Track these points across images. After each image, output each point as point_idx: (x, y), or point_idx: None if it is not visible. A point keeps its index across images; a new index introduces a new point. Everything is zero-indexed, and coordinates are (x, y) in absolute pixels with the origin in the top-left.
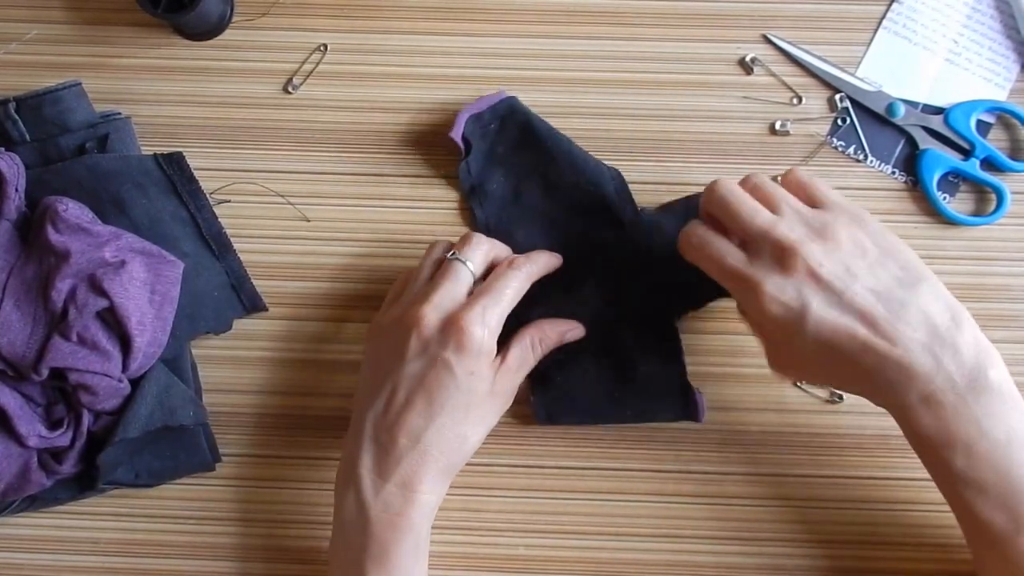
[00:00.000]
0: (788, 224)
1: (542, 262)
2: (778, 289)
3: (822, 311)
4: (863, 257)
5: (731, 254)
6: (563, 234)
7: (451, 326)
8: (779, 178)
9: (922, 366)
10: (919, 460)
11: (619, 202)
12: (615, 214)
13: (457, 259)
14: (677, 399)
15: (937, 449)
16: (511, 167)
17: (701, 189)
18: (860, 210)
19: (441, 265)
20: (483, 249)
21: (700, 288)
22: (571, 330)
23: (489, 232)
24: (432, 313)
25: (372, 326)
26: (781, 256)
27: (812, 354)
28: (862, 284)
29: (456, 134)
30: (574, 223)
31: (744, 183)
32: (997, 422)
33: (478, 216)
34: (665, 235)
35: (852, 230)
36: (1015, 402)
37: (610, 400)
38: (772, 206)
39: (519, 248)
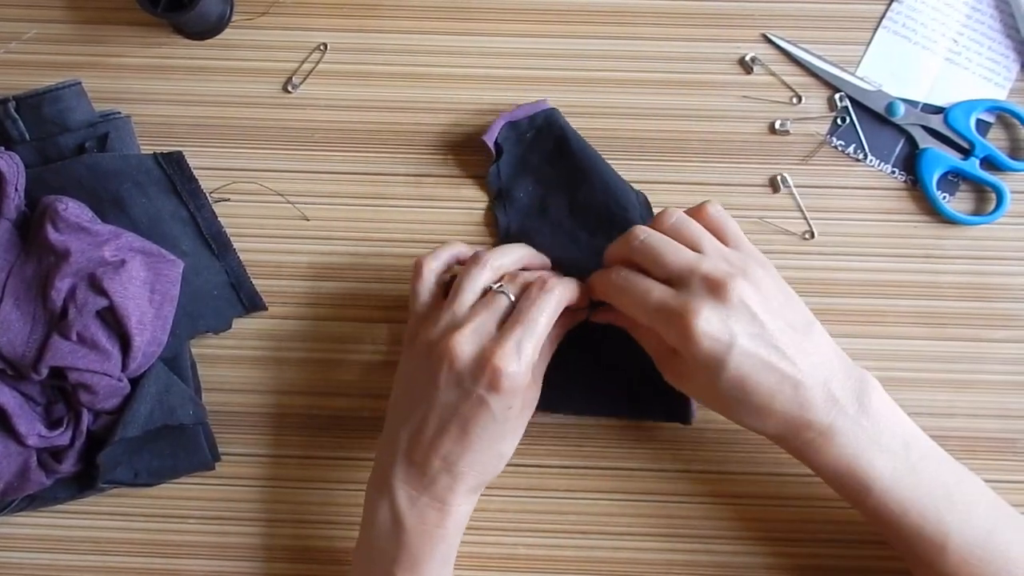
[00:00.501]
0: (713, 260)
1: (572, 290)
2: (709, 317)
3: (748, 343)
4: (775, 298)
5: (657, 289)
6: (583, 252)
7: (486, 364)
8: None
9: (823, 399)
10: None
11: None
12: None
13: (503, 293)
14: (672, 399)
15: (847, 476)
16: (541, 178)
17: (701, 188)
18: (763, 256)
19: (486, 294)
20: (523, 278)
21: None
22: (575, 316)
23: (508, 238)
24: (466, 346)
25: (408, 337)
26: (713, 287)
27: (728, 386)
28: (779, 322)
29: (490, 138)
30: (595, 243)
31: (660, 223)
32: (891, 435)
33: (500, 221)
34: None
35: (764, 272)
36: (899, 415)
37: (606, 394)
38: (693, 245)
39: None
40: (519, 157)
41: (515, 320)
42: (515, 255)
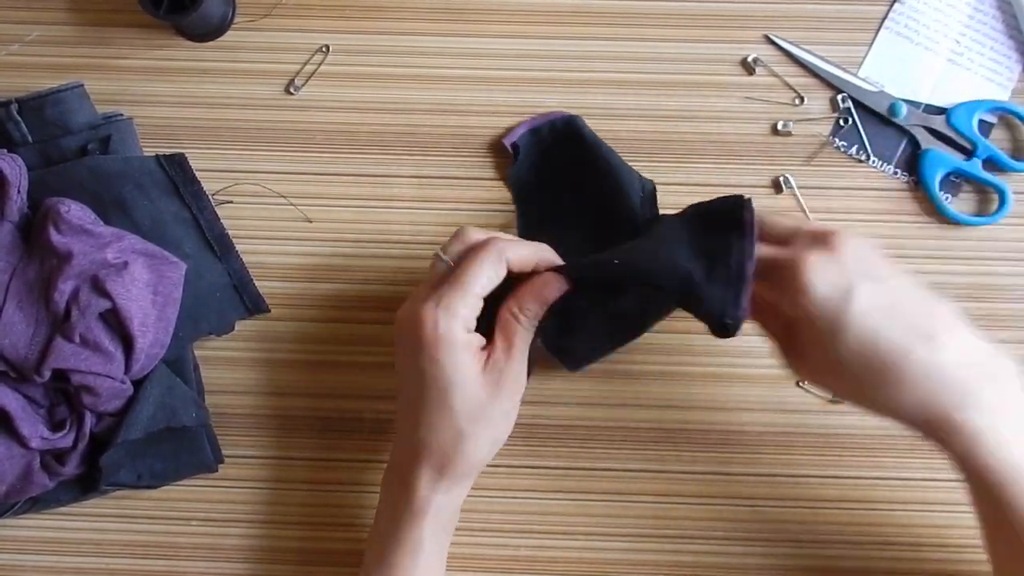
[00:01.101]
0: (816, 223)
1: (526, 249)
2: (822, 265)
3: (869, 293)
4: (889, 263)
5: (762, 248)
6: (594, 248)
7: (409, 322)
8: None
9: (968, 359)
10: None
11: (644, 213)
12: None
13: (442, 259)
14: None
15: (986, 462)
16: (557, 182)
17: (702, 189)
18: None
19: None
20: (467, 240)
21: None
22: (550, 284)
23: (528, 234)
24: (402, 314)
25: None
26: (821, 239)
27: (854, 348)
28: (901, 278)
29: (509, 140)
30: (603, 241)
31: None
32: None
33: (518, 223)
34: (667, 232)
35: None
36: None
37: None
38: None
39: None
40: (535, 161)
41: (443, 279)
42: (516, 246)
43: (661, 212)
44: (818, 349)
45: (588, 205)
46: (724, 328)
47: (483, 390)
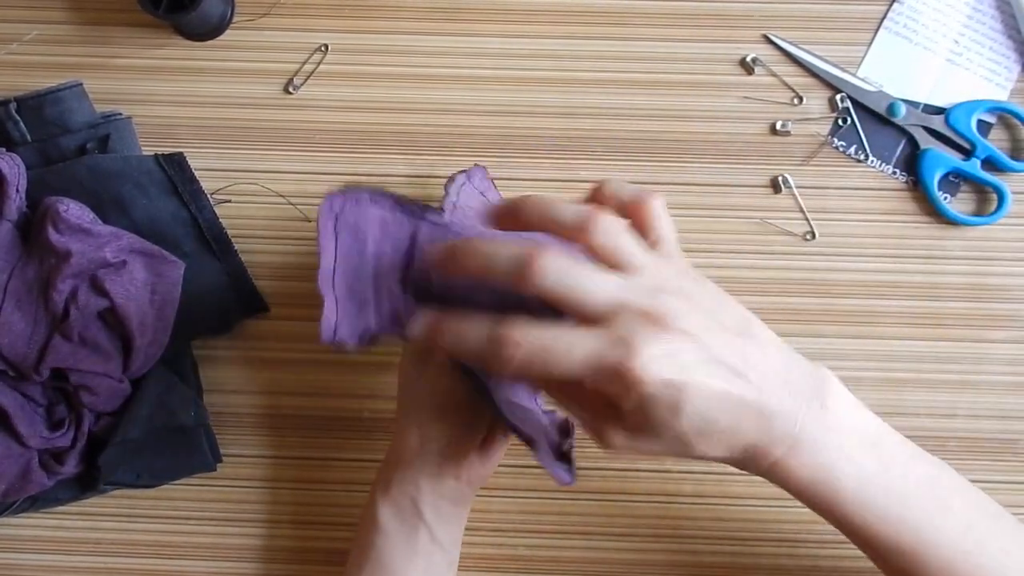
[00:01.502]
0: (643, 284)
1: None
2: (655, 356)
3: (702, 375)
4: (708, 307)
5: (579, 339)
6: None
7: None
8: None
9: (785, 412)
10: None
11: None
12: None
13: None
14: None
15: (818, 487)
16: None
17: (702, 189)
18: (681, 254)
19: None
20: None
21: None
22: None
23: None
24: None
25: None
26: (649, 319)
27: (687, 430)
28: (722, 335)
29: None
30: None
31: (586, 233)
32: (858, 437)
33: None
34: None
35: (690, 280)
36: (863, 413)
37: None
38: (618, 261)
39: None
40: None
41: None
42: None
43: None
44: (648, 428)
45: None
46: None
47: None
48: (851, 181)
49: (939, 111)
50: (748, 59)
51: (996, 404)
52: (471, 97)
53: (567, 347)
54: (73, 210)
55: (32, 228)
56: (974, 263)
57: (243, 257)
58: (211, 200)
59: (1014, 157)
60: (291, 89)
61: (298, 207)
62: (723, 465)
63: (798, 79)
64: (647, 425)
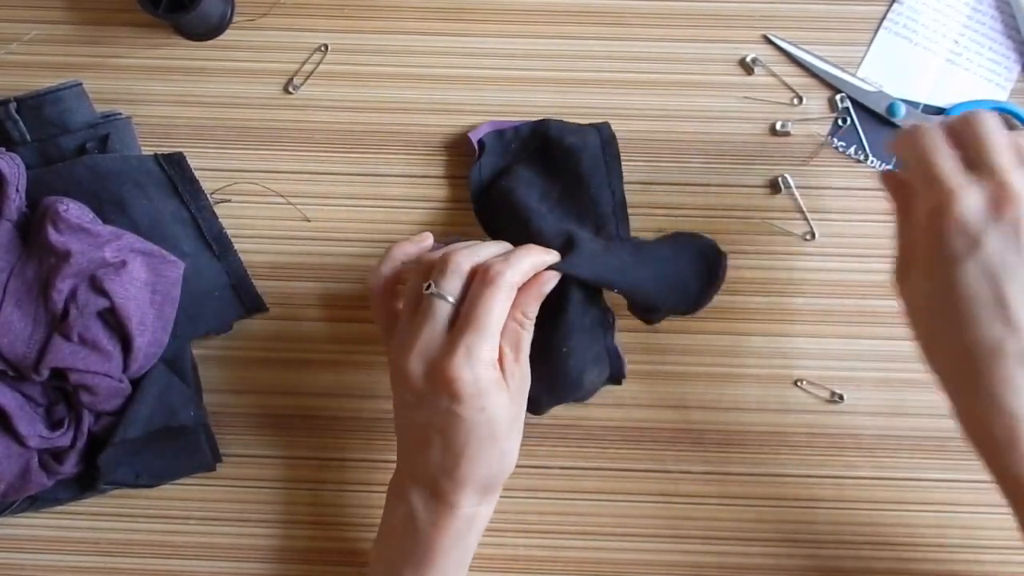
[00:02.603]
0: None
1: (526, 264)
2: (972, 211)
3: (993, 255)
4: None
5: (951, 161)
6: (554, 239)
7: (439, 378)
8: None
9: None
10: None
11: (614, 222)
12: (606, 231)
13: (433, 294)
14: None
15: None
16: (516, 176)
17: (702, 190)
18: None
19: (420, 300)
20: (461, 272)
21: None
22: (547, 282)
23: (494, 236)
24: (415, 364)
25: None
26: (999, 199)
27: (969, 282)
28: None
29: (475, 135)
30: (566, 230)
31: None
32: None
33: (480, 221)
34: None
35: None
36: None
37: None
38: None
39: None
40: (499, 160)
41: (462, 323)
42: (471, 250)
43: (636, 227)
44: (937, 268)
45: (558, 211)
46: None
47: (512, 406)
48: (851, 181)
49: (939, 111)
50: (748, 59)
51: None
52: (471, 97)
53: (943, 158)
54: (73, 210)
55: (32, 228)
56: None
57: (243, 257)
58: (210, 200)
59: None
60: (291, 89)
61: (297, 207)
62: (723, 467)
63: (798, 79)
64: (937, 260)
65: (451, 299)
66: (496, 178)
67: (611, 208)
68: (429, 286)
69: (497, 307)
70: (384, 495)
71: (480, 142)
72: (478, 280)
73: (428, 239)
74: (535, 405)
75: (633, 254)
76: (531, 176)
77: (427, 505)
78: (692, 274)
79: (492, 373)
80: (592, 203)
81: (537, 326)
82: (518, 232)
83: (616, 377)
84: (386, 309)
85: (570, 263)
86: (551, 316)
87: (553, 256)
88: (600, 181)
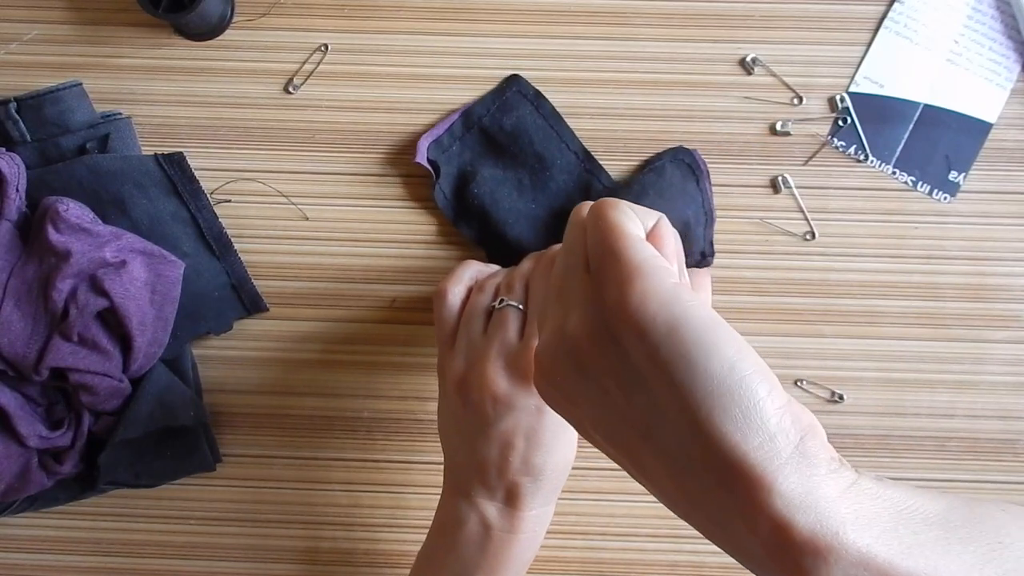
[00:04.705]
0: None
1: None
2: None
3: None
4: None
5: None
6: (548, 225)
7: (527, 376)
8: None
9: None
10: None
11: (591, 178)
12: (592, 190)
13: (509, 305)
14: None
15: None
16: (482, 180)
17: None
18: None
19: (491, 314)
20: (523, 281)
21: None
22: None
23: (483, 244)
24: (499, 376)
25: (439, 366)
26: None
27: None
28: None
29: (421, 158)
30: (555, 210)
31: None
32: None
33: (467, 235)
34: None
35: None
36: None
37: None
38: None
39: (513, 249)
40: (455, 171)
41: (533, 320)
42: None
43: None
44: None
45: (529, 193)
46: (704, 261)
47: None
48: (851, 181)
49: (939, 111)
50: (748, 59)
51: (996, 404)
52: (471, 97)
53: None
54: (73, 210)
55: (32, 228)
56: (974, 263)
57: (243, 257)
58: (211, 199)
59: None
60: (291, 89)
61: (298, 207)
62: None
63: (798, 79)
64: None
65: (520, 306)
66: (463, 185)
67: (583, 165)
68: (502, 301)
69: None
70: (384, 495)
71: (431, 162)
72: (534, 280)
73: (492, 266)
74: None
75: (627, 195)
76: (496, 173)
77: (502, 512)
78: (679, 177)
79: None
80: (564, 171)
81: None
82: (502, 244)
83: None
84: (453, 315)
85: None
86: None
87: None
88: (557, 148)
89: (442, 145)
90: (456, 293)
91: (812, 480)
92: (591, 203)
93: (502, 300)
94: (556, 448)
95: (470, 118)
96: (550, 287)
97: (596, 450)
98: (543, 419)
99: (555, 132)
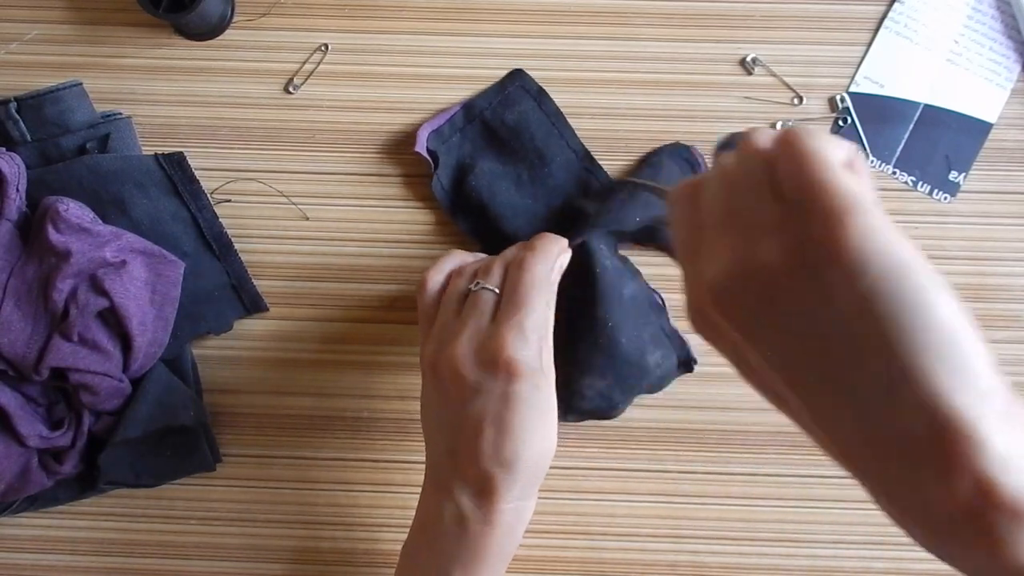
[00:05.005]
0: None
1: (548, 252)
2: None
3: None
4: None
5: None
6: (545, 221)
7: (496, 360)
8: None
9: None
10: None
11: (589, 176)
12: (590, 188)
13: (484, 288)
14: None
15: None
16: (481, 173)
17: None
18: None
19: (467, 297)
20: (502, 267)
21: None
22: (560, 255)
23: (479, 238)
24: (465, 355)
25: (421, 360)
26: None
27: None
28: None
29: (420, 148)
30: (553, 207)
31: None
32: None
33: (462, 227)
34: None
35: None
36: None
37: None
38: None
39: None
40: (454, 162)
41: (507, 306)
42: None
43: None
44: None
45: (527, 188)
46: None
47: (550, 389)
48: None
49: (940, 111)
50: (748, 59)
51: None
52: (471, 96)
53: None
54: (73, 210)
55: (32, 228)
56: (974, 263)
57: (243, 257)
58: (211, 199)
59: None
60: (291, 89)
61: (298, 207)
62: (725, 467)
63: (798, 79)
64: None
65: (497, 290)
66: (461, 177)
67: (582, 165)
68: (477, 284)
69: (537, 285)
70: (384, 494)
71: (430, 152)
72: (514, 267)
73: (478, 254)
74: (608, 404)
75: (624, 190)
76: (494, 167)
77: (476, 503)
78: (677, 172)
79: (540, 351)
80: (563, 169)
81: (579, 313)
82: (497, 237)
83: (687, 362)
84: (431, 303)
85: (579, 233)
86: (590, 302)
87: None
88: (558, 146)
89: (442, 135)
90: (436, 281)
91: (1022, 444)
92: (761, 130)
93: (478, 283)
94: (529, 440)
95: (472, 110)
96: (706, 214)
97: (596, 450)
98: (511, 406)
99: (556, 130)
